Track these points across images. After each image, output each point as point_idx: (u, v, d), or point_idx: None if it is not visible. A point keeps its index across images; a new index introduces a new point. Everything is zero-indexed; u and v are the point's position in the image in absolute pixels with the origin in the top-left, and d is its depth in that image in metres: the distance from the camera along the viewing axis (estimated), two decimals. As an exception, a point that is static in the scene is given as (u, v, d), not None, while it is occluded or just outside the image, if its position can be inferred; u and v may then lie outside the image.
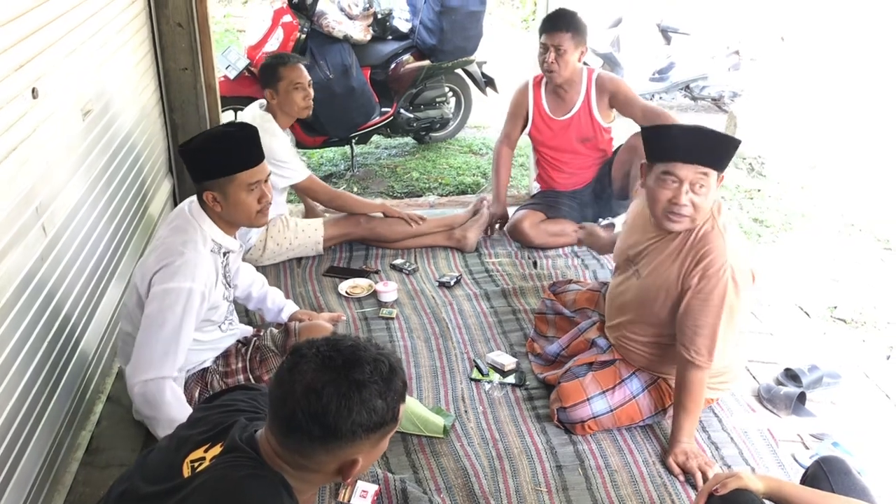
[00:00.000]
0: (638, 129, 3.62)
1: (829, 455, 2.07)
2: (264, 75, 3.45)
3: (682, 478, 2.39)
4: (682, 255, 2.38)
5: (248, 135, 2.29)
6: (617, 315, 2.66)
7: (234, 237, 2.42)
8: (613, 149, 3.87)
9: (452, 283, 3.48)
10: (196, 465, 1.41)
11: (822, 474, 1.91)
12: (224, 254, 2.40)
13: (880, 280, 3.83)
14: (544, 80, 3.79)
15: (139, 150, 3.36)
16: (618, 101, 3.73)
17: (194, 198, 2.37)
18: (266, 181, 2.33)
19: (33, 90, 2.26)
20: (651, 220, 2.47)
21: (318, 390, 1.30)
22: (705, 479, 2.30)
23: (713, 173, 2.29)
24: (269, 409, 1.37)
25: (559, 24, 3.57)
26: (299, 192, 3.79)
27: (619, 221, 4.03)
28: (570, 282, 3.26)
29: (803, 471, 2.04)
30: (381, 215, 3.74)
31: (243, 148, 2.28)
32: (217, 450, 1.41)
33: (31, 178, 2.23)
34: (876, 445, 2.59)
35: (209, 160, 2.27)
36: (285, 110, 3.46)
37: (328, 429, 1.30)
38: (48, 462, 2.22)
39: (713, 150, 2.30)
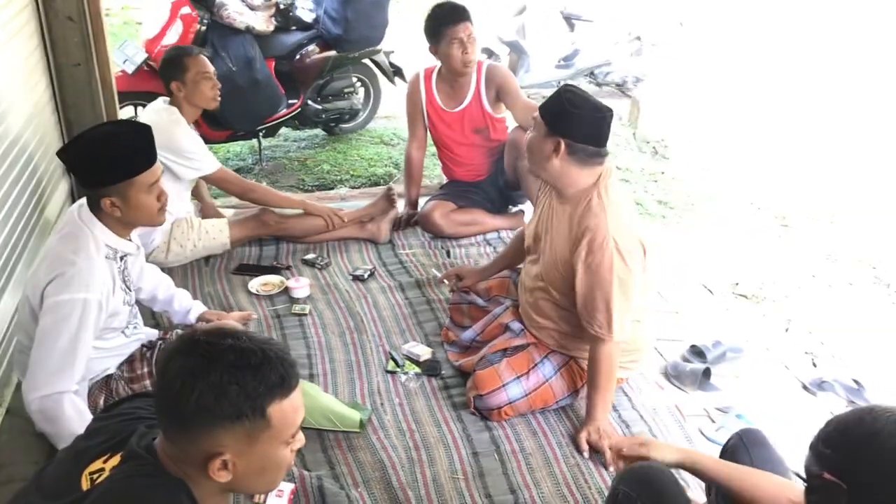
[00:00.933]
0: (515, 128, 3.78)
1: (749, 427, 2.14)
2: (169, 68, 3.35)
3: (586, 455, 2.45)
4: (571, 228, 2.47)
5: (146, 135, 2.20)
6: (527, 296, 2.71)
7: (129, 239, 2.33)
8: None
9: (366, 276, 3.46)
10: (95, 476, 1.36)
11: (742, 445, 1.97)
12: (121, 258, 2.31)
13: (778, 256, 4.00)
14: (434, 72, 3.80)
15: (31, 150, 3.21)
16: (503, 94, 3.77)
17: (83, 202, 2.25)
18: (160, 177, 2.26)
19: None
20: (544, 192, 2.59)
21: (168, 370, 1.27)
22: None
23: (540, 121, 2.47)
24: None
25: (464, 14, 3.60)
26: (211, 184, 3.70)
27: (527, 209, 4.11)
28: (459, 270, 3.27)
29: (722, 445, 2.09)
30: (299, 211, 3.68)
31: (142, 149, 2.19)
32: (116, 460, 1.36)
33: None
34: (777, 415, 2.71)
35: (107, 166, 2.15)
36: (193, 101, 3.37)
37: (173, 410, 1.26)
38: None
39: (551, 100, 2.47)
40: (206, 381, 1.24)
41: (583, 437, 2.48)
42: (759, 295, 3.62)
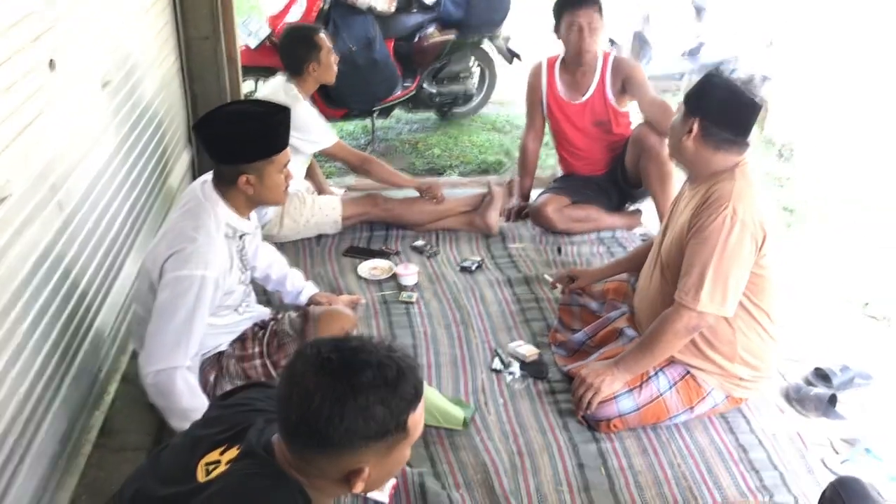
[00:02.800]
0: (639, 125, 3.60)
1: (845, 477, 1.98)
2: (302, 47, 3.36)
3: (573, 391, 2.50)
4: (697, 200, 2.38)
5: (287, 115, 2.22)
6: (644, 289, 2.63)
7: (248, 218, 2.34)
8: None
9: (474, 268, 3.40)
10: (211, 468, 1.35)
11: (839, 499, 1.83)
12: (240, 237, 2.32)
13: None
14: (558, 61, 3.68)
15: (159, 120, 3.29)
16: (630, 86, 3.61)
17: (207, 178, 2.27)
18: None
19: (50, 62, 2.19)
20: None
21: (310, 394, 1.22)
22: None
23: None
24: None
25: (589, 0, 3.46)
26: (328, 157, 3.75)
27: (645, 208, 3.95)
28: (573, 271, 3.15)
29: (821, 492, 1.94)
30: (408, 195, 3.68)
31: (282, 129, 2.21)
32: (233, 452, 1.35)
33: (48, 154, 2.16)
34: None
35: (253, 142, 2.17)
36: (323, 78, 3.42)
37: (320, 435, 1.23)
38: (62, 444, 2.18)
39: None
40: (353, 405, 1.22)
41: (581, 372, 2.49)
42: (893, 317, 3.37)
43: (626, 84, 3.60)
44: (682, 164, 2.52)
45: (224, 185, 2.22)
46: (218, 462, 1.35)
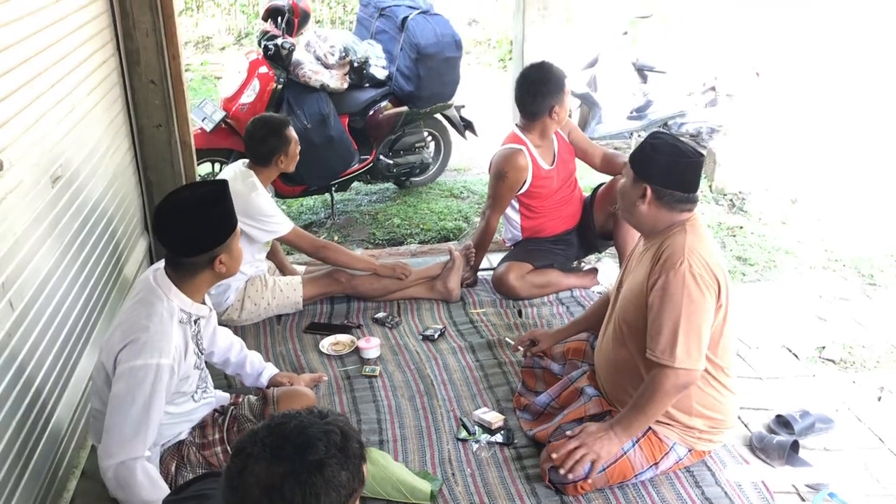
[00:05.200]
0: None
1: None
2: (272, 141, 3.36)
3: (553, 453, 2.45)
4: (651, 257, 2.44)
5: (227, 187, 2.26)
6: (602, 347, 2.67)
7: (203, 302, 2.35)
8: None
9: (436, 336, 3.42)
10: None
11: None
12: (195, 321, 2.33)
13: (866, 317, 3.80)
14: (527, 139, 3.68)
15: (112, 211, 3.30)
16: (574, 140, 3.81)
17: (159, 266, 2.29)
18: None
19: (0, 163, 2.21)
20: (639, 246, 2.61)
21: (278, 487, 1.21)
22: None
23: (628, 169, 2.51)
24: None
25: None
26: (284, 244, 3.74)
27: (603, 263, 4.02)
28: (532, 334, 3.17)
29: None
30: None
31: (231, 202, 2.27)
32: None
33: (-3, 253, 2.16)
34: (873, 493, 2.54)
35: (220, 226, 2.23)
36: (288, 168, 3.46)
37: None
38: (20, 546, 2.13)
39: (638, 149, 2.52)
40: (322, 482, 1.23)
41: (558, 448, 2.45)
42: (848, 360, 3.43)
43: (570, 137, 3.80)
44: (635, 225, 2.59)
45: (181, 273, 2.24)
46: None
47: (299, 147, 3.47)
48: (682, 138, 2.66)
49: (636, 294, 2.48)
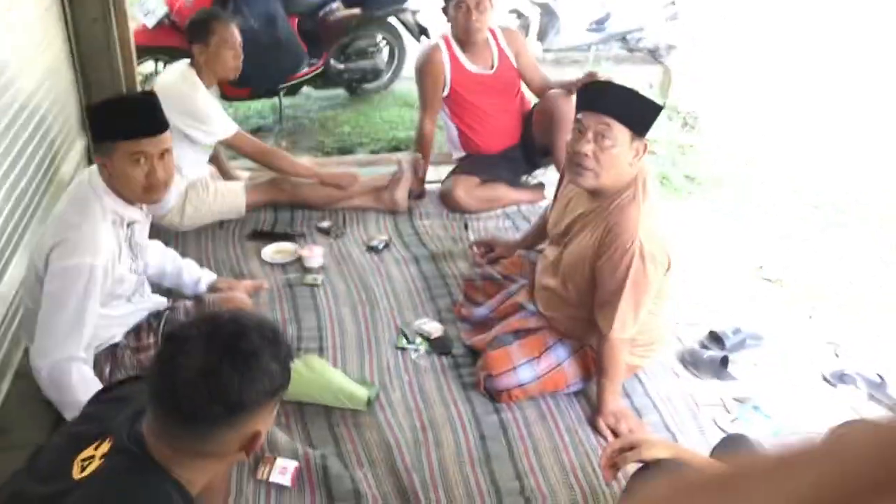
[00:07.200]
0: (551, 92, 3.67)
1: (732, 434, 2.11)
2: (194, 29, 3.28)
3: (611, 439, 2.40)
4: (599, 225, 2.36)
5: (144, 101, 2.18)
6: (544, 283, 2.64)
7: (139, 207, 2.29)
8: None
9: (381, 247, 3.41)
10: (86, 464, 1.34)
11: (724, 452, 1.95)
12: (128, 225, 2.27)
13: (807, 239, 3.88)
14: (452, 38, 3.66)
15: (45, 110, 3.16)
16: (521, 62, 3.73)
17: (94, 167, 2.23)
18: (161, 157, 2.19)
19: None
20: (581, 194, 2.44)
21: (215, 369, 1.24)
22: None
23: (621, 128, 2.25)
24: (151, 403, 1.30)
25: None
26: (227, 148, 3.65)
27: (548, 180, 4.02)
28: (493, 240, 3.26)
29: (720, 438, 2.07)
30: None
31: (134, 114, 2.15)
32: (106, 446, 1.34)
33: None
34: (794, 407, 2.64)
35: (99, 121, 2.17)
36: (213, 68, 3.30)
37: (233, 405, 1.26)
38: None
39: (624, 104, 2.28)
40: (257, 366, 1.27)
41: (601, 422, 2.44)
42: (784, 280, 3.52)
43: (517, 57, 3.70)
44: (600, 188, 2.35)
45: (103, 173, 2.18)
46: (92, 458, 1.34)
47: (235, 51, 3.30)
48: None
49: (581, 259, 2.41)
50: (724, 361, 2.82)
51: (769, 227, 3.97)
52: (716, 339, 2.96)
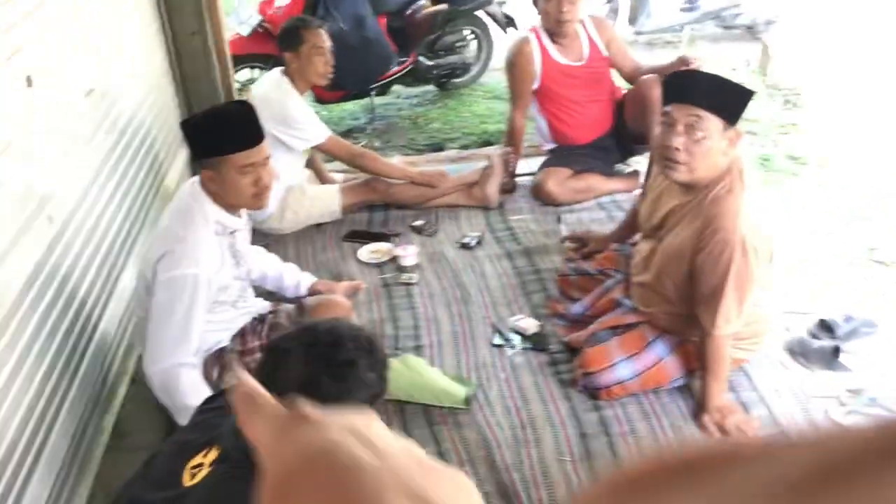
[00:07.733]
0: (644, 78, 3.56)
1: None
2: (286, 38, 3.37)
3: (717, 437, 2.33)
4: (696, 218, 2.28)
5: (244, 114, 2.23)
6: (639, 279, 2.58)
7: (239, 215, 2.37)
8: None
9: (474, 243, 3.41)
10: (195, 471, 1.39)
11: None
12: (230, 233, 2.36)
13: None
14: (541, 30, 3.63)
15: (150, 123, 3.31)
16: (612, 50, 3.65)
17: (197, 178, 2.32)
18: (265, 164, 2.26)
19: (27, 78, 2.21)
20: (673, 187, 2.37)
21: (313, 382, 1.27)
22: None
23: (712, 119, 2.17)
24: None
25: None
26: (321, 153, 3.73)
27: (642, 168, 3.92)
28: (586, 234, 3.20)
29: None
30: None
31: (237, 127, 2.22)
32: (214, 454, 1.39)
33: (33, 170, 2.19)
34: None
35: (204, 138, 2.24)
36: (306, 75, 3.39)
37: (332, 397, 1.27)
38: (74, 448, 2.23)
39: (713, 92, 2.19)
40: (354, 377, 1.30)
41: (707, 420, 2.37)
42: (900, 262, 3.32)
43: (608, 45, 3.63)
44: (696, 181, 2.27)
45: (204, 183, 2.26)
46: (201, 465, 1.39)
47: (325, 57, 3.37)
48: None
49: (679, 254, 2.34)
50: (836, 351, 2.69)
51: (880, 208, 3.76)
52: (826, 327, 2.82)
